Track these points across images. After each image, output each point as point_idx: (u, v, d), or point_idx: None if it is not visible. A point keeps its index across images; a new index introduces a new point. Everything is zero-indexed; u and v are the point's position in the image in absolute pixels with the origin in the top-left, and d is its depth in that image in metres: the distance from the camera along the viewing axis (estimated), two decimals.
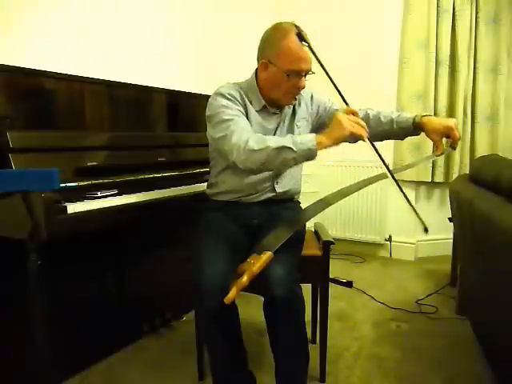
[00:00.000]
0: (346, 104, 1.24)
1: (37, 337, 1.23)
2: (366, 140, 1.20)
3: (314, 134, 1.21)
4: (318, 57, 1.22)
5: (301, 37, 1.22)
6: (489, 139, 3.05)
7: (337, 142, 1.18)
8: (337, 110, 1.51)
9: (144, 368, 1.66)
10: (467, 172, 2.73)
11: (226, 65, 2.54)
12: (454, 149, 1.47)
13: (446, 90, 2.99)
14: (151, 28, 2.17)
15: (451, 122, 1.41)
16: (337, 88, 1.23)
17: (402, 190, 1.21)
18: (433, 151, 1.49)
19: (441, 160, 3.04)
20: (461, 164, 3.06)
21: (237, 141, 1.24)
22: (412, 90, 3.01)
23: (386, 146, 2.93)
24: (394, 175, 1.25)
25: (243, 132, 1.25)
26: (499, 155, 1.65)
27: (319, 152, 1.20)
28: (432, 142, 1.47)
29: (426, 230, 1.21)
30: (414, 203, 3.12)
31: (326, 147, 1.19)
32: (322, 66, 1.21)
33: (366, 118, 1.49)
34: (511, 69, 3.04)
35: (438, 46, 2.95)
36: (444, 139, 1.44)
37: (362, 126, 1.18)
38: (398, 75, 3.09)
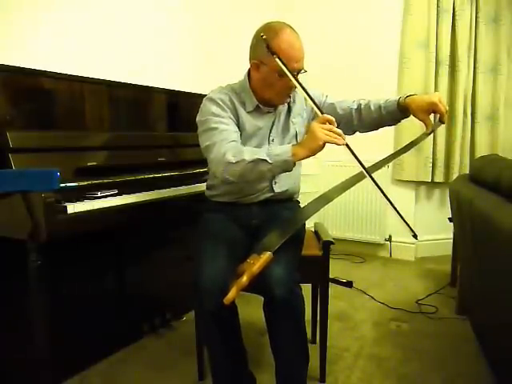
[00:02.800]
0: (321, 112, 1.23)
1: (37, 337, 1.23)
2: (345, 147, 1.19)
3: (289, 146, 1.21)
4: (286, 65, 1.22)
5: (270, 50, 1.22)
6: (489, 139, 3.05)
7: (313, 152, 1.17)
8: (332, 103, 1.51)
9: (144, 368, 1.66)
10: (467, 172, 2.73)
11: (226, 65, 2.53)
12: (443, 122, 1.45)
13: (446, 90, 2.99)
14: (151, 28, 2.17)
15: (434, 97, 1.39)
16: (309, 96, 1.23)
17: (386, 197, 1.22)
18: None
19: (441, 160, 3.04)
20: (461, 164, 3.06)
21: (216, 153, 1.25)
22: (412, 90, 2.97)
23: (386, 143, 2.96)
24: (378, 182, 1.25)
25: (222, 144, 1.26)
26: (499, 155, 1.65)
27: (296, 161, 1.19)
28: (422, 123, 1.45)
29: (415, 237, 1.22)
30: (414, 204, 3.16)
31: (302, 158, 1.19)
32: (290, 72, 1.22)
33: (359, 110, 1.49)
34: (511, 69, 3.04)
35: (437, 46, 2.95)
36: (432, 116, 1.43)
37: (338, 134, 1.17)
38: (398, 75, 3.09)
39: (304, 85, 1.38)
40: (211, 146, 1.28)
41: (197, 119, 1.38)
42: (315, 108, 1.25)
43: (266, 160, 1.18)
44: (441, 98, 1.39)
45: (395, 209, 1.23)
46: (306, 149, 1.18)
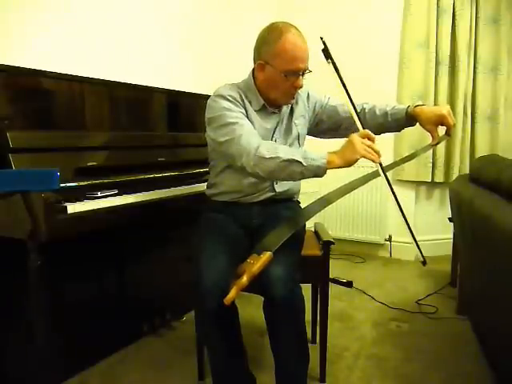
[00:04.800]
0: (363, 127, 1.24)
1: (37, 337, 1.23)
2: (378, 166, 1.21)
3: (326, 152, 1.20)
4: (340, 74, 1.22)
5: (326, 53, 1.21)
6: (489, 139, 3.05)
7: (348, 164, 1.18)
8: (334, 106, 1.51)
9: (144, 368, 1.66)
10: (467, 172, 2.73)
11: (226, 65, 2.54)
12: (450, 136, 1.46)
13: (446, 90, 2.99)
14: (151, 28, 2.17)
15: (444, 109, 1.39)
16: (356, 112, 1.24)
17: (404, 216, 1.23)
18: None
19: (441, 160, 3.04)
20: (461, 164, 3.06)
21: (246, 145, 1.23)
22: (412, 90, 3.01)
23: (386, 145, 2.97)
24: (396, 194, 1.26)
25: (251, 136, 1.25)
26: (499, 155, 1.65)
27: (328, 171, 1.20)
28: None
29: (423, 263, 1.23)
30: (414, 204, 3.15)
31: (336, 167, 1.19)
32: (343, 85, 1.22)
33: (362, 114, 1.49)
34: (511, 69, 3.04)
35: (437, 46, 2.95)
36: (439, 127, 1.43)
37: (376, 152, 1.18)
38: (398, 75, 3.09)
39: (305, 86, 1.39)
40: (237, 138, 1.25)
41: (207, 116, 1.36)
42: (357, 121, 1.25)
43: (300, 162, 1.18)
44: (450, 111, 1.40)
45: (409, 228, 1.24)
46: (342, 159, 1.18)
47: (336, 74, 1.22)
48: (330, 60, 1.21)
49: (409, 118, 1.44)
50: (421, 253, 1.27)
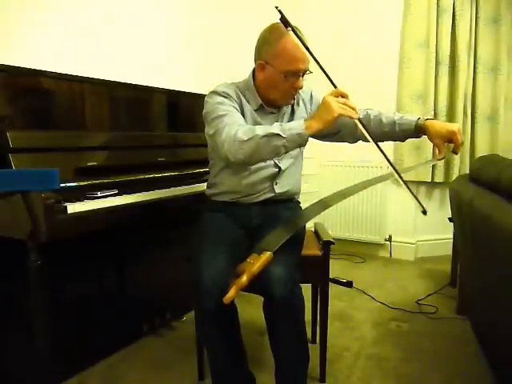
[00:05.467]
0: (334, 86, 1.22)
1: (37, 337, 1.23)
2: (357, 122, 1.19)
3: (302, 120, 1.21)
4: (303, 40, 1.19)
5: (285, 22, 1.19)
6: (489, 139, 3.05)
7: (326, 125, 1.17)
8: None
9: (144, 368, 1.66)
10: (467, 172, 2.73)
11: (226, 65, 2.53)
12: (456, 153, 1.45)
13: (446, 90, 2.99)
14: (151, 28, 2.17)
15: (455, 126, 1.38)
16: (323, 70, 1.20)
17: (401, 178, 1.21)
18: (433, 155, 1.48)
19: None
20: (461, 164, 3.05)
21: (227, 133, 1.23)
22: (412, 90, 3.01)
23: (386, 144, 2.95)
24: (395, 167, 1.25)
25: (233, 126, 1.25)
26: (499, 155, 1.64)
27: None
28: (433, 144, 1.46)
29: (424, 213, 1.21)
30: (414, 204, 3.15)
31: (315, 131, 1.18)
32: (306, 47, 1.19)
33: (367, 119, 1.48)
34: (511, 69, 3.04)
35: (437, 46, 2.95)
36: (446, 144, 1.42)
37: (353, 108, 1.18)
38: (398, 75, 3.09)
39: (307, 87, 1.39)
40: (221, 128, 1.26)
41: (203, 112, 1.38)
42: (329, 80, 1.22)
43: (279, 134, 1.18)
44: (460, 129, 1.39)
45: (409, 189, 1.24)
46: (320, 121, 1.17)
47: (299, 40, 1.20)
48: (289, 28, 1.19)
49: (417, 131, 1.43)
50: (418, 202, 1.24)
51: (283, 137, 1.18)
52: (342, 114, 1.15)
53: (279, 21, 1.18)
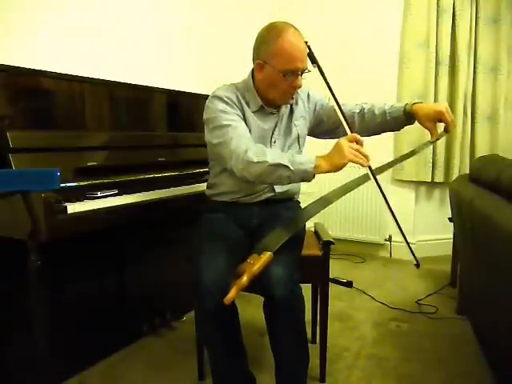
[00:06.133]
0: (351, 130, 1.24)
1: (37, 337, 1.23)
2: (367, 169, 1.22)
3: (313, 156, 1.21)
4: (326, 77, 1.23)
5: (312, 58, 1.22)
6: (489, 139, 3.05)
7: (335, 169, 1.18)
8: (333, 106, 1.51)
9: (144, 368, 1.66)
10: (467, 172, 2.73)
11: (226, 65, 2.54)
12: (448, 132, 1.46)
13: (446, 90, 2.99)
14: (151, 28, 2.17)
15: (442, 106, 1.39)
16: (343, 114, 1.24)
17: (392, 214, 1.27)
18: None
19: (441, 160, 3.04)
20: (461, 164, 3.06)
21: (235, 148, 1.24)
22: (412, 90, 3.00)
23: (386, 143, 2.97)
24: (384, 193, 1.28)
25: (241, 139, 1.25)
26: (499, 155, 1.65)
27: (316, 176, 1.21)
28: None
29: (417, 266, 1.25)
30: (414, 204, 3.15)
31: (324, 172, 1.19)
32: (330, 89, 1.23)
33: (362, 114, 1.49)
34: (511, 69, 3.04)
35: (437, 46, 2.95)
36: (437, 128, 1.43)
37: (364, 156, 1.18)
38: (397, 75, 3.09)
39: (305, 86, 1.39)
40: (228, 141, 1.26)
41: (204, 117, 1.37)
42: (345, 125, 1.25)
43: (287, 166, 1.18)
44: (448, 107, 1.40)
45: (402, 232, 1.28)
46: (330, 163, 1.18)
47: (322, 78, 1.22)
48: (315, 64, 1.22)
49: (407, 116, 1.44)
50: (413, 255, 1.28)
51: (291, 169, 1.19)
52: (353, 160, 1.16)
53: (307, 56, 1.24)
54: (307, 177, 1.20)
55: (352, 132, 1.24)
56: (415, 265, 1.28)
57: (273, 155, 1.21)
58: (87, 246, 1.60)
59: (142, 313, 1.85)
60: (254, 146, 1.25)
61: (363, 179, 1.34)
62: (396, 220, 1.26)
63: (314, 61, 1.24)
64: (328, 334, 1.57)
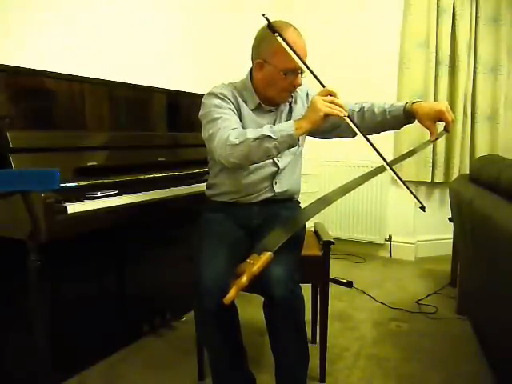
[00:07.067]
0: (322, 86, 1.22)
1: (37, 337, 1.23)
2: (346, 119, 1.20)
3: (292, 121, 1.21)
4: (290, 44, 1.19)
5: (272, 29, 1.19)
6: (489, 139, 3.05)
7: (315, 125, 1.18)
8: None
9: (144, 368, 1.66)
10: (467, 172, 2.73)
11: (225, 65, 2.54)
12: (448, 131, 1.45)
13: (446, 90, 2.99)
14: (151, 28, 2.17)
15: (442, 105, 1.38)
16: (310, 70, 1.21)
17: (398, 177, 1.21)
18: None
19: (441, 160, 3.04)
20: (461, 164, 3.06)
21: (219, 138, 1.24)
22: (412, 90, 3.00)
23: (386, 143, 2.97)
24: (392, 166, 1.25)
25: (225, 130, 1.25)
26: (499, 155, 1.65)
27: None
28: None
29: (422, 209, 1.21)
30: (414, 204, 3.14)
31: (305, 131, 1.20)
32: (293, 51, 1.19)
33: (362, 113, 1.49)
34: (511, 69, 3.04)
35: (437, 46, 2.95)
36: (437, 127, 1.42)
37: (340, 106, 1.17)
38: (398, 75, 3.09)
39: (305, 86, 1.39)
40: (214, 133, 1.27)
41: (200, 114, 1.38)
42: (317, 80, 1.23)
43: (270, 136, 1.18)
44: (448, 106, 1.39)
45: (406, 186, 1.24)
46: (308, 121, 1.18)
47: (286, 44, 1.19)
48: (277, 33, 1.19)
49: (407, 115, 1.43)
50: (416, 198, 1.25)
51: (274, 138, 1.18)
52: (328, 112, 1.16)
53: (268, 28, 1.19)
54: (292, 141, 1.20)
55: (324, 87, 1.21)
56: (420, 207, 1.24)
57: (252, 131, 1.22)
58: (87, 245, 1.60)
59: (142, 313, 1.85)
60: (234, 130, 1.25)
61: (365, 177, 1.33)
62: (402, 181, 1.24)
63: (274, 31, 1.20)
64: (328, 334, 1.57)
